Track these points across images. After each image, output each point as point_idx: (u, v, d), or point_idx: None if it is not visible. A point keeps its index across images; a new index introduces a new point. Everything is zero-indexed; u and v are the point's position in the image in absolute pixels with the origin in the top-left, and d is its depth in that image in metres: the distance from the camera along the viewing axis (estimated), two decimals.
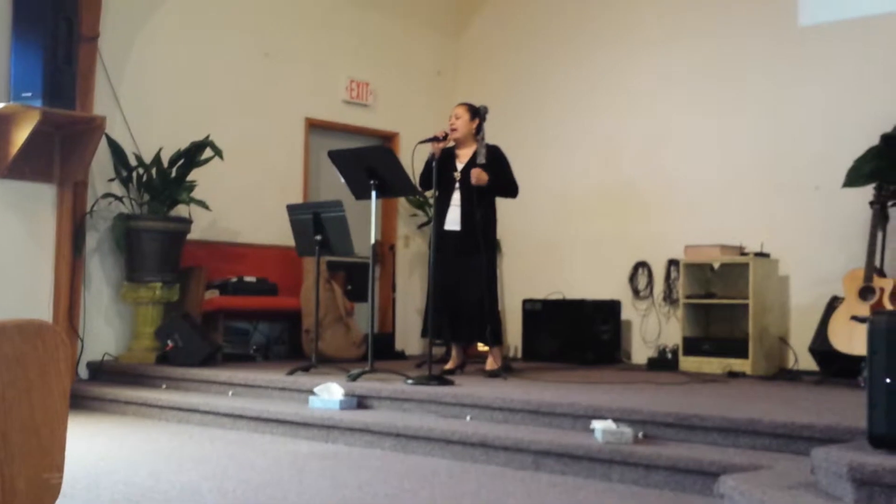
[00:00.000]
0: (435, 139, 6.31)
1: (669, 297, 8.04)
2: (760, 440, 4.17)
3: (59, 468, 2.73)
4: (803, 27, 7.56)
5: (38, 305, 6.81)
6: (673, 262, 7.97)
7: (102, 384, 6.82)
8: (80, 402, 6.45)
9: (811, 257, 7.31)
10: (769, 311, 7.27)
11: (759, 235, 7.39)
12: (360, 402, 5.52)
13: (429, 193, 6.75)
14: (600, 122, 8.68)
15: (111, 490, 3.84)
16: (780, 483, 3.36)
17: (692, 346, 7.37)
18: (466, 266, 6.35)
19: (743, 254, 7.32)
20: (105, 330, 7.26)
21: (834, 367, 6.43)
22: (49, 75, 6.43)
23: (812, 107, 7.45)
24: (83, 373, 7.10)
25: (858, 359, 5.80)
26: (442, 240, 6.33)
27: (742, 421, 4.23)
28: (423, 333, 6.74)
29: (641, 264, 8.29)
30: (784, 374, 6.94)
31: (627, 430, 4.27)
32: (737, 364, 7.04)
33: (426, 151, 6.41)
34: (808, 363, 6.92)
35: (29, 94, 6.42)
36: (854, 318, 6.06)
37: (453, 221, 6.41)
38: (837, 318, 6.30)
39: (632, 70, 8.52)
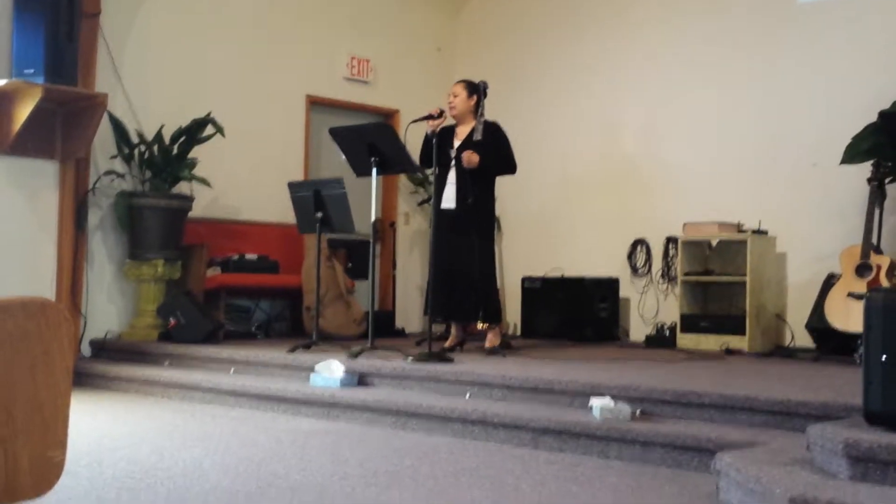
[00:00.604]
0: (430, 117, 6.32)
1: (667, 275, 8.07)
2: (757, 417, 4.22)
3: (63, 445, 2.77)
4: (801, 4, 7.55)
5: (41, 282, 6.85)
6: (671, 240, 8.00)
7: (105, 361, 6.87)
8: (83, 379, 6.50)
9: (808, 234, 7.34)
10: (766, 288, 7.32)
11: (756, 213, 7.42)
12: (361, 380, 5.57)
13: (429, 171, 6.77)
14: (599, 99, 8.68)
15: (114, 467, 3.89)
16: (777, 459, 3.41)
17: (690, 323, 7.41)
18: (463, 244, 6.38)
19: (741, 231, 7.35)
20: (107, 307, 7.30)
21: (830, 344, 6.48)
22: (51, 52, 6.43)
23: (810, 84, 7.46)
24: (86, 350, 7.14)
25: (855, 336, 5.84)
26: (440, 218, 6.35)
27: (739, 398, 4.28)
28: (426, 311, 6.77)
29: (640, 242, 8.32)
30: (781, 351, 6.99)
31: (625, 408, 4.32)
32: (734, 341, 7.08)
33: (421, 130, 6.42)
34: (804, 340, 6.97)
35: (31, 71, 6.43)
36: (851, 294, 6.11)
37: (449, 199, 6.43)
38: (834, 296, 6.34)
39: (631, 47, 8.51)
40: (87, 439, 4.45)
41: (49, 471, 2.75)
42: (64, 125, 6.94)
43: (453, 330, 6.69)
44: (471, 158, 6.29)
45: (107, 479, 3.66)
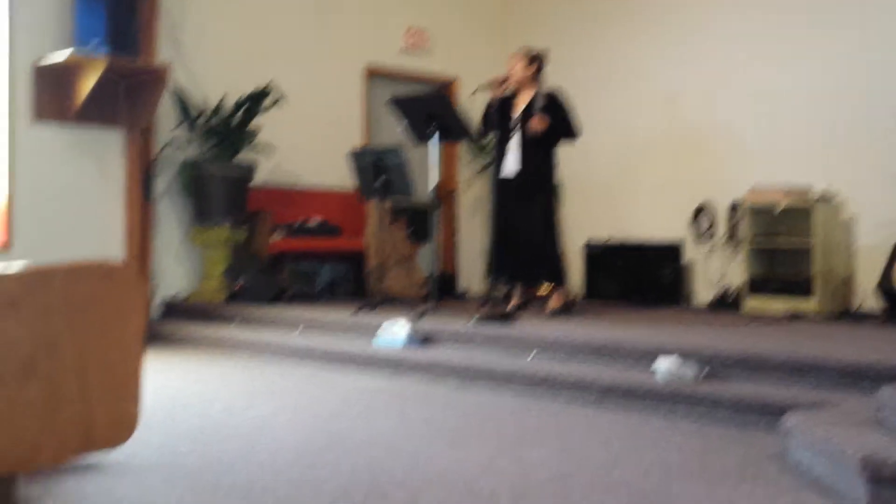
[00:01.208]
0: (490, 85, 6.30)
1: (733, 239, 7.97)
2: (825, 379, 4.16)
3: (137, 400, 2.85)
4: None
5: (111, 248, 7.00)
6: (736, 205, 7.89)
7: (175, 321, 7.01)
8: (155, 338, 6.64)
9: (878, 198, 7.18)
10: (834, 252, 7.19)
11: (824, 176, 7.28)
12: (425, 341, 5.61)
13: (488, 138, 6.76)
14: (663, 62, 8.56)
15: (187, 421, 3.98)
16: (846, 421, 3.37)
17: (755, 286, 7.31)
18: (526, 210, 6.36)
19: (808, 195, 7.22)
20: (176, 271, 7.43)
21: None
22: (113, 23, 6.52)
23: (880, 43, 7.26)
24: (156, 312, 7.29)
25: None
26: (501, 185, 6.34)
27: (807, 359, 4.23)
28: (487, 275, 6.79)
29: (704, 207, 8.21)
30: (849, 315, 6.88)
31: (691, 369, 4.30)
32: (801, 304, 6.99)
33: (482, 98, 6.40)
34: (873, 304, 6.84)
35: (93, 43, 6.52)
36: None
37: (511, 167, 6.41)
38: None
39: (696, 10, 8.36)
40: (160, 396, 4.55)
41: (124, 424, 2.84)
42: (127, 96, 7.04)
43: (516, 292, 6.69)
44: (537, 126, 6.24)
45: (180, 432, 3.75)
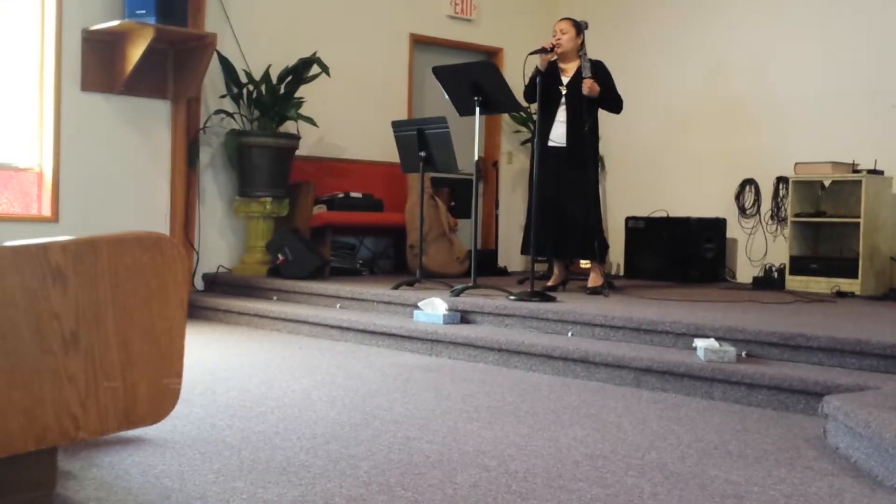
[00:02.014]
0: (543, 50, 6.26)
1: (777, 216, 7.88)
2: (867, 361, 4.12)
3: (179, 374, 2.88)
4: None
5: (156, 218, 7.09)
6: (782, 180, 7.79)
7: (216, 295, 7.10)
8: (196, 311, 6.73)
9: None
10: (881, 230, 7.08)
11: (872, 152, 7.16)
12: (464, 317, 5.62)
13: (533, 108, 6.71)
14: (707, 34, 8.44)
15: (226, 396, 4.03)
16: (887, 404, 3.33)
17: (799, 265, 7.24)
18: (572, 182, 6.33)
19: (855, 171, 7.11)
20: (219, 243, 7.51)
21: None
22: None
23: None
24: (199, 284, 7.38)
25: None
26: (546, 155, 6.31)
27: (849, 341, 4.18)
28: (524, 249, 6.77)
29: (749, 181, 8.12)
30: (894, 295, 6.78)
31: (730, 349, 4.27)
32: (845, 284, 6.90)
33: (534, 62, 6.35)
34: None
35: (143, 12, 6.59)
36: None
37: (559, 137, 6.37)
38: None
39: None
40: (201, 369, 4.61)
41: (165, 398, 2.87)
42: (175, 65, 7.11)
43: (556, 269, 6.67)
44: (593, 87, 6.21)
45: (220, 406, 3.80)
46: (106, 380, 2.69)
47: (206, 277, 7.40)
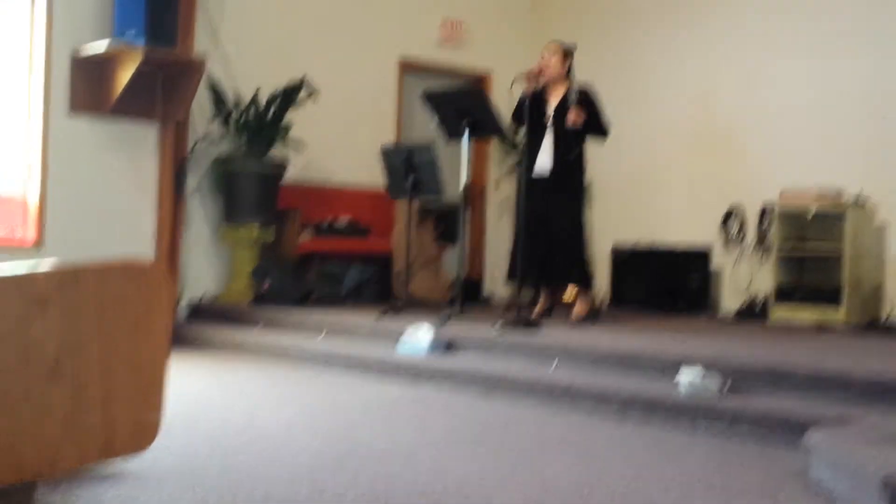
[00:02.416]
0: (529, 75, 6.26)
1: (762, 244, 7.90)
2: (851, 393, 4.11)
3: (160, 406, 2.86)
4: None
5: (142, 244, 7.05)
6: (767, 208, 7.82)
7: (201, 323, 7.06)
8: (180, 340, 6.67)
9: None
10: (865, 261, 7.11)
11: (857, 181, 7.19)
12: (448, 347, 5.60)
13: (520, 132, 6.71)
14: (694, 61, 8.49)
15: (208, 426, 4.01)
16: (870, 437, 3.34)
17: (784, 295, 7.26)
18: (556, 209, 6.33)
19: (840, 200, 7.14)
20: (204, 269, 7.49)
21: None
22: (151, 15, 6.57)
23: None
24: (183, 311, 7.34)
25: None
26: (532, 182, 6.31)
27: (832, 373, 4.19)
28: (509, 277, 6.76)
29: (734, 210, 8.15)
30: (878, 326, 6.81)
31: (714, 381, 4.27)
32: (829, 314, 6.92)
33: (515, 93, 6.36)
34: None
35: (132, 34, 6.57)
36: None
37: (545, 163, 6.37)
38: None
39: (727, 7, 8.29)
40: (183, 399, 4.58)
41: (147, 429, 2.85)
42: (164, 88, 7.09)
43: (542, 297, 6.67)
44: (577, 117, 6.20)
45: (201, 437, 3.78)
46: (87, 410, 2.67)
47: (190, 304, 7.37)
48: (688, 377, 4.32)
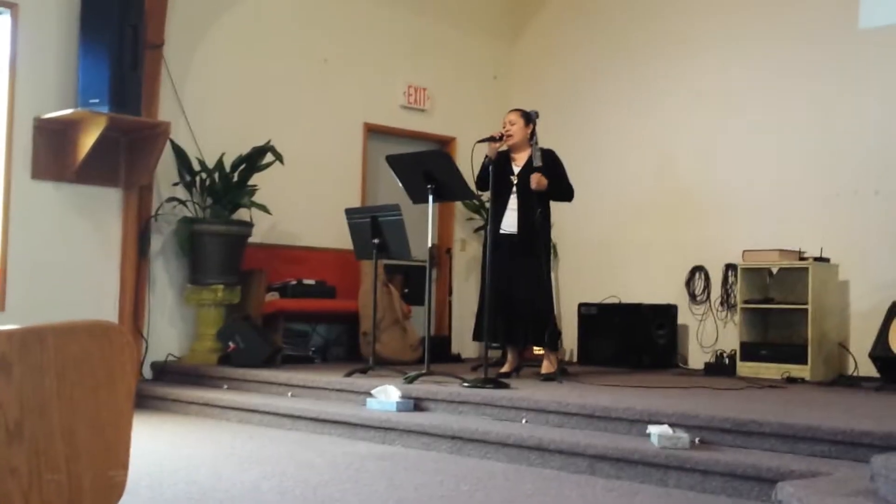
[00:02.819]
0: (492, 139, 6.34)
1: (727, 302, 7.98)
2: (819, 447, 4.13)
3: (124, 466, 2.81)
4: (863, 30, 7.46)
5: (105, 306, 6.99)
6: (730, 267, 7.91)
7: (166, 384, 6.97)
8: (144, 401, 6.60)
9: (871, 262, 7.22)
10: (828, 317, 7.19)
11: (818, 240, 7.31)
12: (417, 405, 5.57)
13: (485, 196, 6.78)
14: (655, 125, 8.64)
15: (173, 488, 3.94)
16: (839, 490, 3.34)
17: (750, 351, 7.31)
18: (522, 269, 6.37)
19: (802, 258, 7.24)
20: (169, 331, 7.42)
21: (895, 373, 6.34)
22: (115, 82, 6.58)
23: (872, 110, 7.36)
24: (147, 373, 7.26)
25: None
26: (498, 243, 6.36)
27: (800, 427, 4.20)
28: (475, 336, 6.77)
29: (698, 268, 8.24)
30: (844, 381, 6.86)
31: (684, 436, 4.27)
32: (795, 370, 6.97)
33: (484, 151, 6.43)
34: (868, 369, 6.82)
35: (96, 101, 6.58)
36: None
37: (510, 225, 6.43)
38: None
39: (688, 73, 8.47)
40: (148, 460, 4.51)
41: (110, 491, 2.80)
42: (128, 153, 7.09)
43: (509, 355, 6.67)
44: (540, 181, 6.27)
45: (167, 499, 3.71)
46: (50, 472, 2.62)
47: (155, 366, 7.28)
48: (658, 431, 4.32)
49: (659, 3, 8.77)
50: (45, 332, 2.65)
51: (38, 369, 2.60)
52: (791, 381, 6.86)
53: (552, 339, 6.47)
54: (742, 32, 8.16)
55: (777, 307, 7.40)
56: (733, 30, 8.22)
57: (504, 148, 6.51)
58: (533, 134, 6.50)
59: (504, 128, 6.53)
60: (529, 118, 6.52)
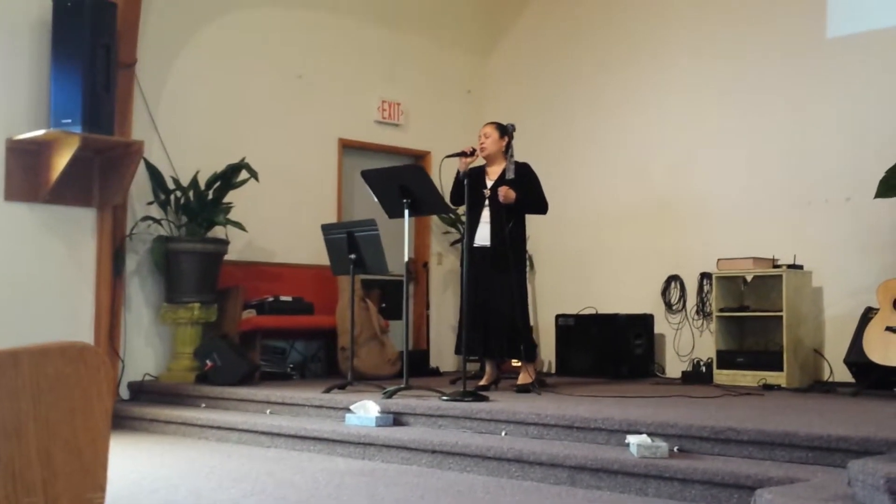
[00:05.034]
0: (462, 154, 6.36)
1: (702, 311, 8.03)
2: (797, 453, 4.16)
3: (102, 488, 2.79)
4: (831, 39, 7.55)
5: (80, 327, 6.94)
6: (705, 276, 7.96)
7: (143, 404, 6.93)
8: (122, 421, 6.56)
9: (844, 269, 7.29)
10: (803, 323, 7.25)
11: (791, 248, 7.37)
12: (396, 419, 5.57)
13: (460, 210, 6.80)
14: (630, 137, 8.70)
15: None
16: (817, 496, 3.36)
17: (726, 359, 7.35)
18: (497, 282, 6.39)
19: (776, 266, 7.30)
20: (145, 350, 7.37)
21: (870, 378, 6.40)
22: (88, 102, 6.55)
23: (841, 118, 7.44)
24: (124, 393, 7.21)
25: (894, 370, 5.77)
26: (473, 256, 6.37)
27: (778, 434, 4.23)
28: (457, 350, 6.78)
29: (674, 278, 8.29)
30: (819, 387, 6.91)
31: (662, 445, 4.29)
32: (771, 377, 7.02)
33: (453, 166, 6.46)
34: (843, 375, 6.89)
35: (69, 121, 6.55)
36: (889, 328, 6.04)
37: (483, 238, 6.45)
38: (872, 330, 6.27)
39: (660, 86, 8.54)
40: (126, 481, 4.48)
41: None
42: (101, 173, 7.06)
43: (488, 368, 6.68)
44: (508, 194, 6.31)
45: None
46: (27, 496, 2.60)
47: (131, 386, 7.23)
48: (637, 440, 4.34)
49: (631, 17, 8.83)
50: (20, 354, 2.64)
51: (13, 392, 2.58)
52: (767, 388, 6.90)
53: (527, 352, 6.48)
54: (714, 43, 8.23)
55: (752, 315, 7.45)
56: (705, 40, 8.30)
57: (479, 162, 6.53)
58: (508, 147, 6.52)
59: (479, 140, 6.56)
60: (505, 131, 6.55)
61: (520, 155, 6.55)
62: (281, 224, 8.17)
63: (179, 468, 5.02)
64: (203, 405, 6.67)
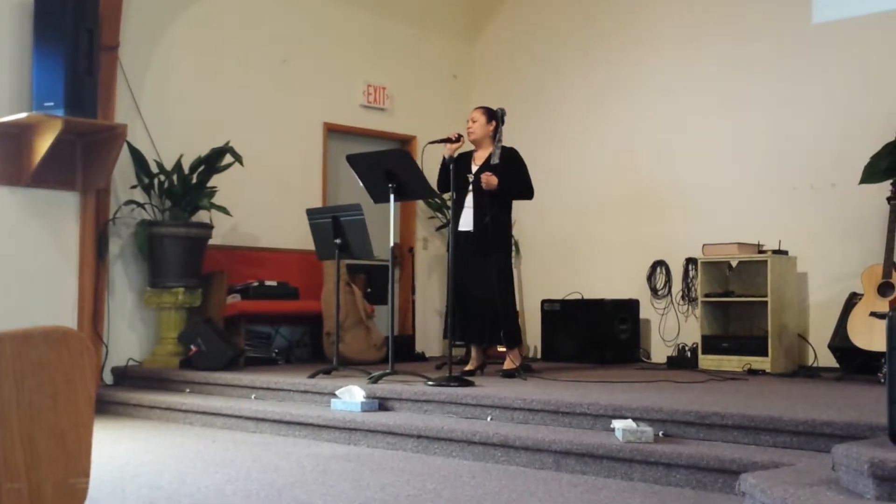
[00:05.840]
0: (447, 140, 6.34)
1: (688, 296, 8.04)
2: (781, 438, 4.18)
3: (86, 473, 2.78)
4: (817, 24, 7.56)
5: (63, 312, 6.90)
6: (691, 261, 7.98)
7: (127, 389, 6.90)
8: (105, 407, 6.53)
9: (829, 254, 7.31)
10: (788, 309, 7.28)
11: (776, 234, 7.39)
12: (382, 404, 5.56)
13: (446, 196, 6.78)
14: (616, 122, 8.70)
15: (136, 493, 3.90)
16: (802, 480, 3.37)
17: (711, 344, 7.38)
18: (481, 267, 6.38)
19: (761, 251, 7.32)
20: (129, 335, 7.34)
21: (854, 363, 6.43)
22: (70, 85, 6.49)
23: (827, 104, 7.45)
24: (108, 378, 7.17)
25: (878, 355, 5.80)
26: (458, 241, 6.36)
27: (762, 418, 4.25)
28: (445, 335, 6.78)
29: (659, 263, 8.30)
30: (804, 371, 6.95)
31: (648, 429, 4.30)
32: (756, 362, 7.04)
33: (438, 151, 6.44)
34: (827, 360, 6.92)
35: (51, 104, 6.49)
36: (873, 314, 6.06)
37: (466, 223, 6.45)
38: (857, 315, 6.30)
39: (646, 71, 8.53)
40: (110, 466, 4.46)
41: (72, 498, 2.76)
42: (84, 156, 7.01)
43: (473, 353, 6.68)
44: (489, 180, 6.30)
45: None
46: (9, 481, 2.58)
47: (115, 371, 7.19)
48: (622, 425, 4.34)
49: (617, 2, 8.82)
50: (2, 339, 2.61)
51: None
52: (752, 373, 6.93)
53: (513, 336, 6.48)
54: (699, 30, 8.23)
55: (737, 300, 7.47)
56: (691, 27, 8.29)
57: (468, 147, 6.51)
58: (496, 131, 6.49)
59: (467, 125, 6.54)
60: (494, 116, 6.52)
61: (505, 140, 6.53)
62: (266, 208, 8.14)
63: (164, 453, 5.00)
64: (187, 390, 6.64)
